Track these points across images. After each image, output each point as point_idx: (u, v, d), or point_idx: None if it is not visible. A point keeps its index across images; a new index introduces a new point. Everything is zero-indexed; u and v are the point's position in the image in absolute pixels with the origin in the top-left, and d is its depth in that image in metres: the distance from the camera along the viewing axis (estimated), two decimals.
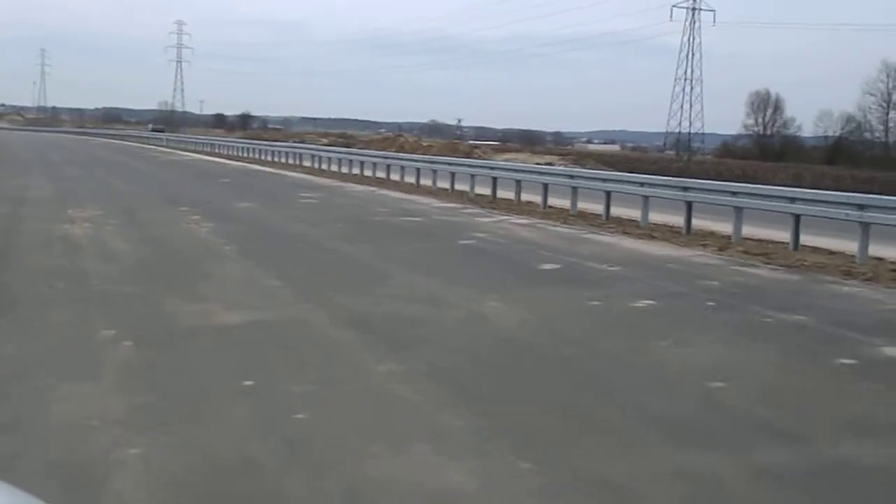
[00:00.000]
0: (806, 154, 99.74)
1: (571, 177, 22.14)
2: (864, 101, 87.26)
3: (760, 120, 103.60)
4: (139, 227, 15.28)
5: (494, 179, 23.90)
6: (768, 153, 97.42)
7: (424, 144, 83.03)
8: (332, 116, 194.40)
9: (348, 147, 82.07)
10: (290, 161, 42.21)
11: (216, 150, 55.39)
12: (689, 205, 16.52)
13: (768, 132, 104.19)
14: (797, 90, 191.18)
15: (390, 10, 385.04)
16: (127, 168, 35.24)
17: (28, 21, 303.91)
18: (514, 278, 10.74)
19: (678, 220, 16.27)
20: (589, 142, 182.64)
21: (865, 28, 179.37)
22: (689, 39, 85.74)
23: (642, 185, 18.99)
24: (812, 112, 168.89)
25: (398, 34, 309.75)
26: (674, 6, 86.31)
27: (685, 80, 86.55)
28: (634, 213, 17.49)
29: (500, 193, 22.69)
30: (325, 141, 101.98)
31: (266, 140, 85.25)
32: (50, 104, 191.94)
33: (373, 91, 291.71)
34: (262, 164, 41.31)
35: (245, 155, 49.46)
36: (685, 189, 17.34)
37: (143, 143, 71.53)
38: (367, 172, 32.89)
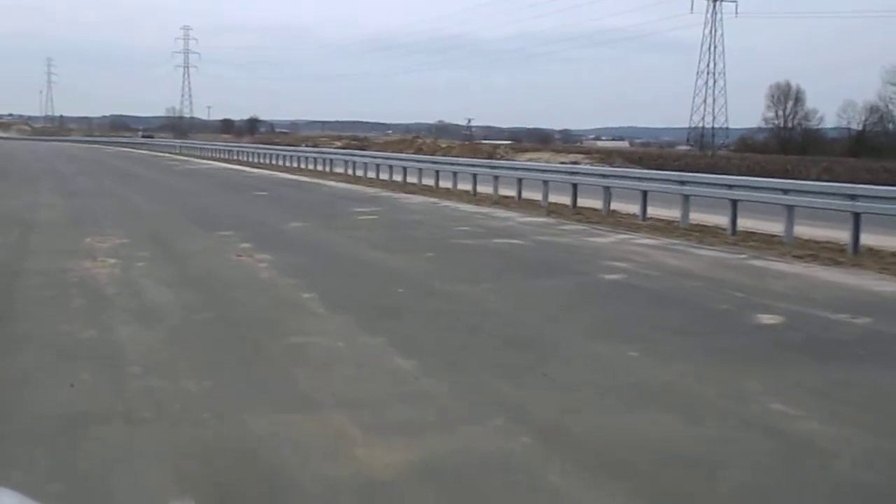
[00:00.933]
0: (828, 147, 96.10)
1: (640, 179, 19.33)
2: (886, 91, 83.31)
3: (781, 113, 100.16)
4: (178, 263, 11.79)
5: (546, 183, 21.17)
6: (790, 147, 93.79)
7: (443, 146, 79.53)
8: (339, 119, 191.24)
9: (363, 150, 78.83)
10: (318, 167, 38.64)
11: (233, 157, 51.93)
12: (858, 217, 13.07)
13: (789, 125, 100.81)
14: (819, 81, 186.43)
15: (393, 12, 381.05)
16: (145, 180, 31.80)
17: (34, 31, 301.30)
18: (739, 344, 7.26)
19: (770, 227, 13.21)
20: (597, 139, 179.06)
21: (888, 15, 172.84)
22: (710, 32, 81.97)
23: (731, 187, 16.18)
24: (835, 103, 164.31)
25: (402, 36, 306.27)
26: None
27: (707, 73, 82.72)
28: (713, 218, 15.76)
29: (553, 198, 20.28)
30: (337, 144, 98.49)
31: (279, 144, 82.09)
32: (57, 113, 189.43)
33: (379, 93, 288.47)
34: (289, 172, 37.85)
35: (265, 161, 45.97)
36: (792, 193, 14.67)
37: (156, 152, 68.06)
38: (402, 178, 29.47)
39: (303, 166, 40.43)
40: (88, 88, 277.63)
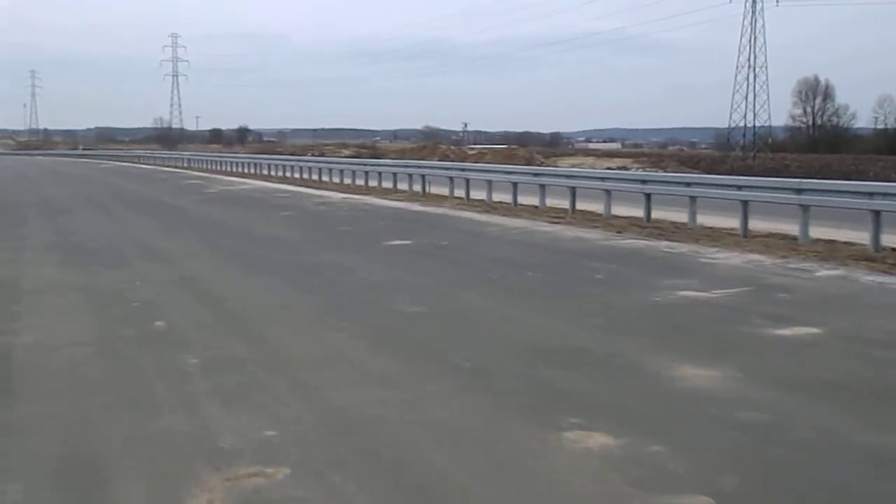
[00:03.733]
0: (860, 144, 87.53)
1: (738, 187, 15.35)
2: None
3: (809, 110, 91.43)
4: None
5: (648, 196, 16.99)
6: (820, 145, 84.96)
7: (472, 152, 69.81)
8: (326, 126, 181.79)
9: (376, 157, 68.96)
10: (355, 181, 29.45)
11: (247, 171, 41.98)
12: None
13: (818, 122, 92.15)
14: (849, 75, 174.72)
15: (375, 18, 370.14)
16: (184, 215, 21.41)
17: (17, 43, 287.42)
18: None
19: None
20: (588, 141, 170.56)
21: None
22: (751, 22, 72.74)
23: (871, 195, 12.33)
24: (868, 99, 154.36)
25: (385, 41, 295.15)
26: None
27: (748, 67, 73.48)
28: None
29: (616, 210, 17.45)
30: (346, 153, 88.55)
31: (280, 154, 72.25)
32: (41, 126, 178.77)
33: (364, 100, 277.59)
34: (333, 189, 28.00)
35: (290, 175, 36.21)
36: None
37: (160, 166, 57.78)
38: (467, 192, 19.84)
39: (334, 179, 32.25)
40: (73, 101, 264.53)
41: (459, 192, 23.13)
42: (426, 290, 9.67)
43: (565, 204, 18.93)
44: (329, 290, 9.71)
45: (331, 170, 33.76)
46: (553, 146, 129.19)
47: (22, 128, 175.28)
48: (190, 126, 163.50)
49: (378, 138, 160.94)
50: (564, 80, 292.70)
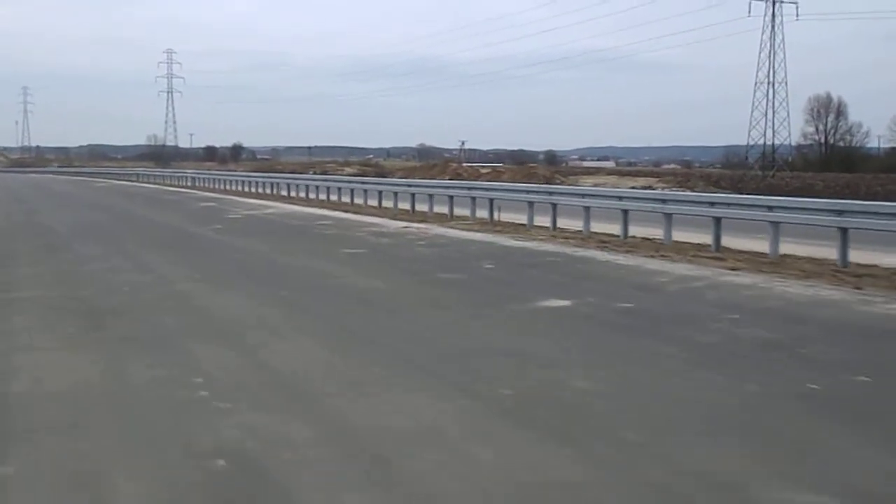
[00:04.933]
0: (873, 163, 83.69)
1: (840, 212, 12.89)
2: None
3: (821, 127, 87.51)
4: None
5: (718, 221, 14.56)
6: (832, 164, 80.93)
7: (485, 171, 65.30)
8: (319, 144, 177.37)
9: (382, 176, 64.51)
10: (366, 201, 25.80)
11: (261, 192, 37.40)
12: None
13: (830, 140, 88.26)
14: (862, 92, 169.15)
15: (368, 36, 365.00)
16: (208, 246, 16.81)
17: (9, 59, 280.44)
18: None
19: None
20: (582, 159, 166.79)
21: None
22: (770, 37, 68.84)
23: None
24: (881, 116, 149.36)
25: (378, 59, 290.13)
26: None
27: (767, 83, 69.52)
28: None
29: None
30: (349, 170, 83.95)
31: (280, 172, 67.60)
32: (33, 143, 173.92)
33: (357, 118, 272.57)
34: (383, 215, 23.38)
35: (309, 196, 31.69)
36: None
37: (160, 185, 53.00)
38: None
39: (356, 201, 28.34)
40: (65, 118, 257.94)
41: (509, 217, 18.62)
42: (696, 424, 5.14)
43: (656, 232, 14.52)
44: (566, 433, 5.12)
45: (352, 190, 29.36)
46: (551, 164, 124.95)
47: (14, 145, 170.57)
48: (184, 143, 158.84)
49: (371, 156, 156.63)
50: (558, 98, 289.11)
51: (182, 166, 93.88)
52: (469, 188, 23.73)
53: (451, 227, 19.13)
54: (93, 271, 13.21)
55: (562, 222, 18.50)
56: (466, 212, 22.15)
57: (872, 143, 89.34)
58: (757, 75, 70.50)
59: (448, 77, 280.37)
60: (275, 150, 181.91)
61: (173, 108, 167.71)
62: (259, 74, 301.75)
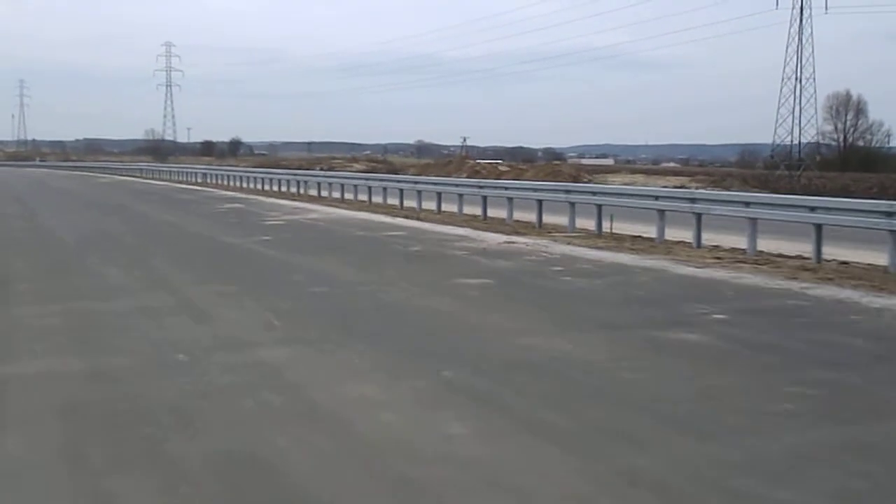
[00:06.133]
0: (892, 163, 79.77)
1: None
2: None
3: (840, 126, 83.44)
4: None
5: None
6: (851, 163, 76.96)
7: (503, 168, 60.86)
8: (317, 140, 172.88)
9: (395, 173, 60.09)
10: (386, 199, 20.61)
11: (283, 190, 32.94)
12: None
13: (849, 139, 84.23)
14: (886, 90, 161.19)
15: (366, 32, 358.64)
16: (261, 268, 12.24)
17: (5, 53, 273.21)
18: None
19: None
20: (581, 157, 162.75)
21: None
22: (798, 31, 64.68)
23: None
24: None
25: (376, 55, 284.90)
26: None
27: (795, 79, 65.38)
28: None
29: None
30: (357, 167, 79.46)
31: (286, 168, 63.11)
32: (29, 137, 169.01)
33: (354, 114, 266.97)
34: (449, 222, 18.99)
35: (335, 196, 27.31)
36: None
37: (166, 181, 48.40)
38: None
39: (389, 201, 24.71)
40: (61, 111, 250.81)
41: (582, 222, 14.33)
42: None
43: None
44: None
45: (385, 189, 25.14)
46: (550, 161, 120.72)
47: (10, 138, 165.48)
48: (181, 138, 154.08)
49: (369, 152, 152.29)
50: (556, 95, 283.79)
51: (180, 161, 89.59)
52: (535, 189, 19.53)
53: (570, 244, 14.77)
54: (121, 314, 8.81)
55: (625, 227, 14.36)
56: (556, 219, 17.87)
57: (894, 143, 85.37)
58: (784, 70, 66.23)
59: (446, 74, 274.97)
60: (272, 146, 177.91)
61: (172, 102, 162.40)
62: (255, 70, 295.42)
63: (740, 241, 13.74)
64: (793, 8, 65.41)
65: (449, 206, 21.64)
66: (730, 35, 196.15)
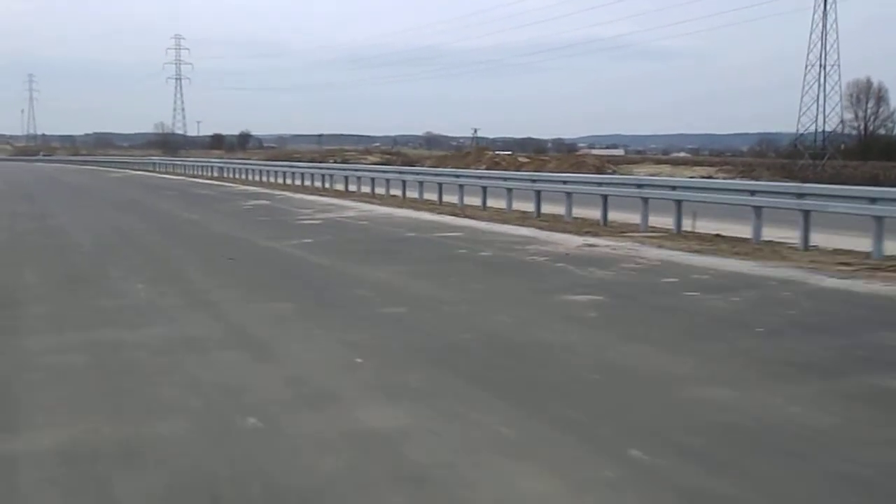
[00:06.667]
0: None
1: None
2: None
3: (860, 114, 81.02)
4: None
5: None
6: (871, 152, 74.64)
7: (523, 160, 58.82)
8: (325, 133, 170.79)
9: (412, 165, 58.07)
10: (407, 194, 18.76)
11: (307, 185, 30.94)
12: None
13: (870, 127, 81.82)
14: None
15: (374, 23, 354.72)
16: (325, 283, 10.08)
17: (14, 47, 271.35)
18: None
19: None
20: (591, 147, 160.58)
21: None
22: (822, 16, 62.44)
23: None
24: None
25: (384, 47, 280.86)
26: None
27: (820, 66, 63.17)
28: None
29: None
30: (371, 159, 77.45)
31: (299, 161, 61.12)
32: (39, 132, 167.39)
33: (363, 105, 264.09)
34: (520, 222, 16.78)
35: (360, 190, 25.36)
36: None
37: (181, 175, 46.38)
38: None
39: (410, 194, 22.98)
40: (70, 105, 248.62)
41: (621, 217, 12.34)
42: None
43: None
44: None
45: (405, 182, 23.31)
46: (566, 152, 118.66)
47: (19, 133, 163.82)
48: (191, 131, 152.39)
49: (377, 144, 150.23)
50: (565, 86, 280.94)
51: (191, 154, 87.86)
52: (598, 183, 17.54)
53: (660, 247, 12.73)
54: (159, 348, 6.83)
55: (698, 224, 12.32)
56: (614, 215, 15.92)
57: None
58: (808, 58, 64.01)
59: (453, 65, 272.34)
60: (281, 139, 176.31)
61: (181, 95, 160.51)
62: (263, 62, 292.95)
63: (822, 239, 11.85)
64: None
65: (492, 202, 19.69)
66: (738, 24, 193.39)
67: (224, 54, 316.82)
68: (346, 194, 26.45)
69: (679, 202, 14.56)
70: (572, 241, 13.41)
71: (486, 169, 51.08)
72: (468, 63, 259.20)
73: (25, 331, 7.62)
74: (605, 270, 10.54)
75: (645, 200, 15.29)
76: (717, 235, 13.89)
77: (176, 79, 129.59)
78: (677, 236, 13.97)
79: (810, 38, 64.27)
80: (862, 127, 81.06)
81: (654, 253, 11.98)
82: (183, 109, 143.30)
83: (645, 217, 15.28)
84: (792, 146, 67.15)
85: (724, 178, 47.76)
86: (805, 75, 64.01)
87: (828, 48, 63.24)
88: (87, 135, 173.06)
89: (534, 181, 18.72)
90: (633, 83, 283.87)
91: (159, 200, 25.68)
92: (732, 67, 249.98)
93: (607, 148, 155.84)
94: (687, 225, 14.55)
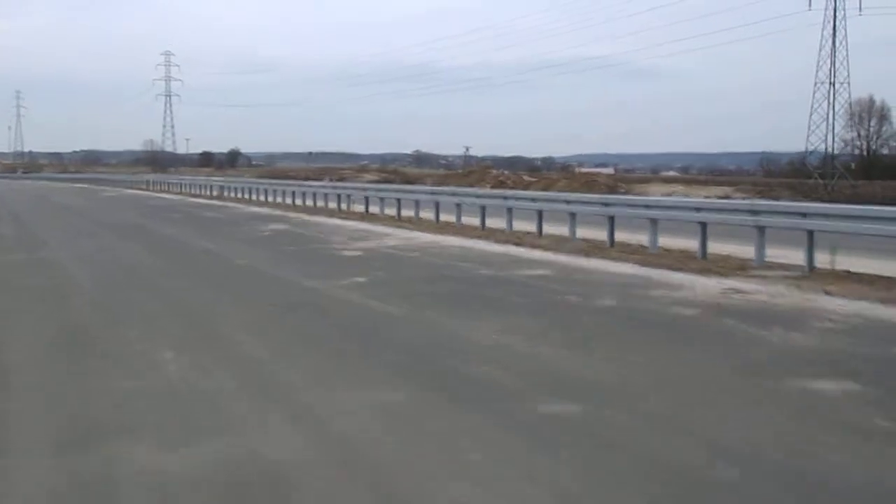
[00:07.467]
0: None
1: None
2: None
3: (863, 133, 78.76)
4: None
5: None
6: (874, 171, 72.42)
7: (528, 179, 56.01)
8: (314, 150, 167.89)
9: (410, 183, 55.27)
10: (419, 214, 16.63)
11: (320, 205, 28.05)
12: None
13: (872, 147, 79.58)
14: None
15: (363, 42, 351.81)
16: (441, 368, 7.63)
17: (0, 64, 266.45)
18: None
19: None
20: (580, 165, 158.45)
21: None
22: (831, 33, 60.23)
23: None
24: None
25: (372, 65, 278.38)
26: None
27: (829, 84, 60.92)
28: None
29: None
30: (369, 177, 74.57)
31: (293, 178, 58.43)
32: (26, 149, 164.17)
33: (352, 123, 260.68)
34: (551, 249, 14.04)
35: (370, 211, 22.51)
36: None
37: (177, 194, 43.29)
38: None
39: (421, 215, 20.02)
40: (58, 122, 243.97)
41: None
42: None
43: None
44: None
45: (439, 203, 20.28)
46: (549, 170, 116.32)
47: (6, 150, 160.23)
48: (180, 149, 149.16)
49: (366, 162, 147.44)
50: (553, 105, 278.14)
51: (179, 172, 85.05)
52: (698, 208, 14.62)
53: (827, 293, 9.88)
54: (222, 488, 3.91)
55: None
56: (675, 241, 13.18)
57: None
58: (816, 75, 61.70)
59: (441, 83, 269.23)
60: (270, 157, 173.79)
61: (171, 112, 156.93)
62: (253, 80, 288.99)
63: None
64: (825, 9, 60.95)
65: (522, 225, 17.02)
66: (727, 45, 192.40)
67: (212, 71, 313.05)
68: (369, 217, 23.54)
69: (811, 232, 11.74)
70: (702, 285, 10.51)
71: (492, 188, 48.37)
72: (457, 81, 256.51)
73: (4, 451, 4.69)
74: (800, 333, 7.66)
75: (761, 229, 12.46)
76: (878, 276, 11.02)
77: (165, 95, 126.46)
78: (829, 275, 11.10)
79: (819, 55, 61.99)
80: (864, 146, 79.03)
81: (830, 304, 9.10)
82: (172, 126, 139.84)
83: (760, 250, 12.46)
84: (800, 164, 64.72)
85: (767, 201, 45.27)
86: (813, 94, 61.68)
87: (837, 66, 60.93)
88: (74, 152, 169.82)
89: (607, 205, 15.83)
90: (619, 102, 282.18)
91: (164, 225, 22.62)
92: (719, 88, 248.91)
93: (596, 167, 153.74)
94: (821, 260, 11.73)
